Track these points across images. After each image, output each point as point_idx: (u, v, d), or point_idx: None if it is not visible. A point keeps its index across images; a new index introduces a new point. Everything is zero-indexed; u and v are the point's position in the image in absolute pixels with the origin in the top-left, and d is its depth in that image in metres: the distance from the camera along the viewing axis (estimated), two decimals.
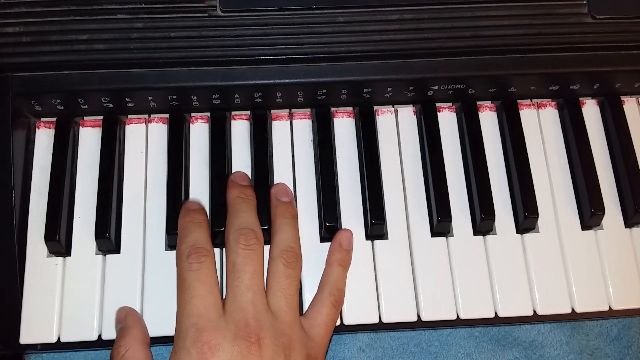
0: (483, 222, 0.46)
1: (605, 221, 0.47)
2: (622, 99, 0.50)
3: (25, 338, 0.43)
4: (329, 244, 0.45)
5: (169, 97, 0.47)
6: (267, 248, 0.43)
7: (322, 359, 0.42)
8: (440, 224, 0.46)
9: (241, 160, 0.48)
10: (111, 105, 0.47)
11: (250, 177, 0.47)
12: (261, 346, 0.38)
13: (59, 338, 0.43)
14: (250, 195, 0.44)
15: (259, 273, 0.41)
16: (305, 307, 0.44)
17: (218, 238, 0.45)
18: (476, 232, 0.47)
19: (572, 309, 0.46)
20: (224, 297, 0.42)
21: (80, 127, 0.48)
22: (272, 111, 0.49)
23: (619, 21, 0.47)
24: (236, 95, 0.47)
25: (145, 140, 0.48)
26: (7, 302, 0.44)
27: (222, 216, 0.44)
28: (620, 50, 0.47)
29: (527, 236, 0.47)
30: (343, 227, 0.46)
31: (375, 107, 0.50)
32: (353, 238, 0.45)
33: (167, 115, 0.49)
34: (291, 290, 0.41)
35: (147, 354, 0.41)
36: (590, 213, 0.46)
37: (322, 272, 0.44)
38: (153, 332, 0.43)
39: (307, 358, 0.40)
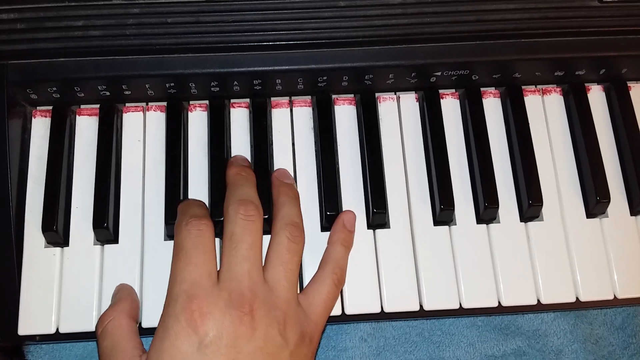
0: (486, 211, 0.45)
1: (610, 209, 0.47)
2: (629, 85, 0.50)
3: (24, 329, 0.43)
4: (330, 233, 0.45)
5: (167, 85, 0.46)
6: (266, 240, 0.43)
7: (318, 338, 0.41)
8: (443, 213, 0.45)
9: (241, 148, 0.47)
10: (108, 93, 0.46)
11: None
12: (254, 317, 0.37)
13: (57, 329, 0.43)
14: (250, 173, 0.44)
15: (257, 244, 0.40)
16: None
17: (217, 228, 0.44)
18: (479, 220, 0.46)
19: (577, 298, 0.45)
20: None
21: (77, 116, 0.48)
22: (272, 99, 0.49)
23: (626, 5, 0.46)
24: (235, 83, 0.46)
25: (143, 129, 0.48)
26: (5, 293, 0.44)
27: (222, 205, 0.44)
28: (627, 34, 0.47)
29: (531, 224, 0.46)
30: None
31: (376, 94, 0.49)
32: (355, 220, 0.45)
33: (165, 104, 0.48)
34: (292, 265, 0.40)
35: (130, 325, 0.40)
36: (595, 201, 0.46)
37: (324, 253, 0.43)
38: (152, 322, 0.43)
39: (301, 335, 0.39)
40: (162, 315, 0.38)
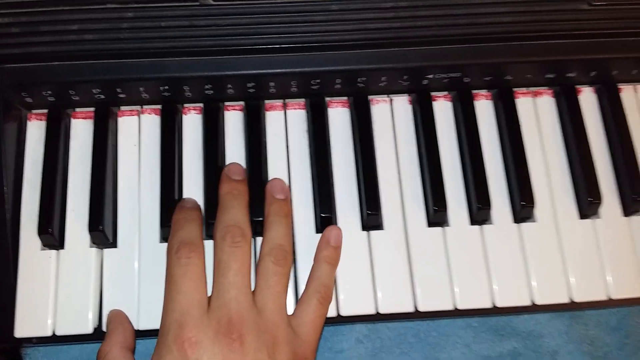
0: (479, 212, 0.45)
1: (603, 210, 0.47)
2: (619, 87, 0.50)
3: (20, 332, 0.43)
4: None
5: (161, 88, 0.46)
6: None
7: (312, 357, 0.41)
8: (436, 214, 0.45)
9: (235, 151, 0.47)
10: (103, 97, 0.47)
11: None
12: (243, 343, 0.38)
13: (54, 331, 0.43)
14: (242, 190, 0.44)
15: (243, 270, 0.40)
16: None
17: (211, 230, 0.44)
18: (473, 221, 0.46)
19: (570, 299, 0.45)
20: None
21: (72, 119, 0.48)
22: (266, 101, 0.49)
23: (616, 7, 0.46)
24: (229, 86, 0.47)
25: (137, 132, 0.48)
26: (1, 296, 0.44)
27: (216, 208, 0.44)
28: (617, 37, 0.47)
29: (524, 225, 0.46)
30: (338, 217, 0.46)
31: (370, 97, 0.49)
32: (342, 235, 0.45)
33: (159, 107, 0.48)
34: (278, 287, 0.41)
35: (127, 356, 0.40)
36: (587, 202, 0.46)
37: (310, 270, 0.44)
38: (149, 324, 0.43)
39: (293, 356, 0.39)
40: (156, 343, 0.39)
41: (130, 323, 0.43)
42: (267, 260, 0.41)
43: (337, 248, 0.44)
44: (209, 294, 0.41)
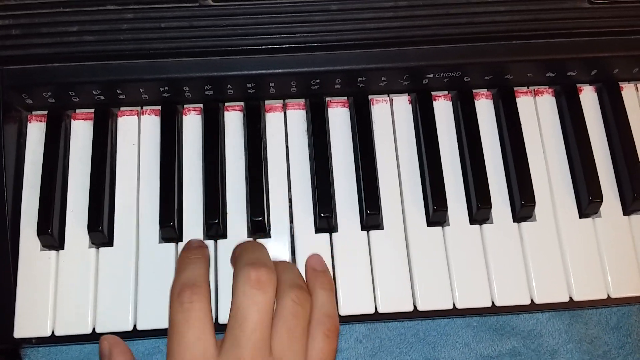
0: (479, 211, 0.45)
1: (603, 209, 0.47)
2: (621, 85, 0.50)
3: (20, 332, 0.43)
4: (324, 235, 0.45)
5: (161, 89, 0.46)
6: None
7: None
8: (436, 214, 0.45)
9: (234, 152, 0.47)
10: (102, 98, 0.47)
11: (244, 168, 0.47)
12: None
13: (53, 332, 0.43)
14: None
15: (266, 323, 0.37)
16: None
17: (212, 230, 0.44)
18: (472, 221, 0.46)
19: (570, 298, 0.45)
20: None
21: (72, 120, 0.48)
22: (266, 102, 0.49)
23: (616, 6, 0.46)
24: (229, 86, 0.47)
25: (137, 133, 0.48)
26: (1, 296, 0.44)
27: (216, 208, 0.44)
28: (617, 35, 0.47)
29: (524, 225, 0.46)
30: (338, 217, 0.46)
31: (370, 97, 0.49)
32: (322, 258, 0.44)
33: (159, 107, 0.48)
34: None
35: None
36: (588, 201, 0.46)
37: None
38: (147, 324, 0.43)
39: None
40: None
41: (124, 346, 0.41)
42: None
43: (325, 271, 0.43)
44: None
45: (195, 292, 0.37)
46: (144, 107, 0.49)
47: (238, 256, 0.39)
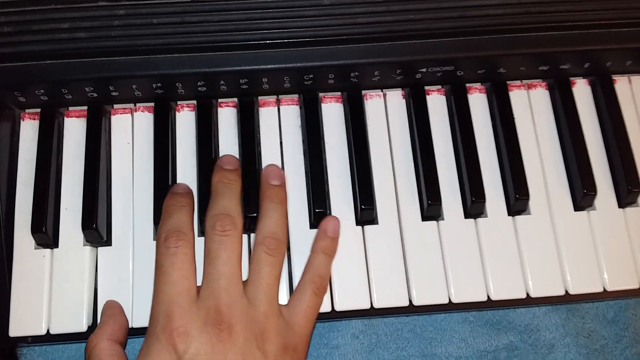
0: (474, 205, 0.45)
1: (598, 202, 0.47)
2: (614, 78, 0.50)
3: (15, 331, 0.43)
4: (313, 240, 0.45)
5: (154, 85, 0.46)
6: None
7: (304, 347, 0.41)
8: (431, 208, 0.45)
9: (228, 148, 0.47)
10: (95, 95, 0.47)
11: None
12: (232, 334, 0.37)
13: (48, 330, 0.43)
14: (234, 179, 0.44)
15: (233, 260, 0.40)
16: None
17: (204, 226, 0.44)
18: (467, 215, 0.46)
19: (566, 291, 0.45)
20: None
21: (65, 118, 0.48)
22: (260, 98, 0.49)
23: None
24: (222, 82, 0.47)
25: (131, 130, 0.48)
26: None
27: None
28: (610, 28, 0.47)
29: (519, 218, 0.46)
30: (333, 213, 0.46)
31: (363, 92, 0.49)
32: (339, 226, 0.45)
33: (152, 104, 0.48)
34: (270, 278, 0.41)
35: (114, 349, 0.40)
36: (582, 194, 0.46)
37: (307, 260, 0.44)
38: (143, 322, 0.43)
39: (284, 347, 0.39)
40: (146, 333, 0.39)
41: (123, 315, 0.43)
42: (260, 250, 0.41)
43: (335, 239, 0.44)
44: (199, 283, 0.40)
45: (181, 238, 0.40)
46: (137, 104, 0.48)
47: (210, 204, 0.42)
